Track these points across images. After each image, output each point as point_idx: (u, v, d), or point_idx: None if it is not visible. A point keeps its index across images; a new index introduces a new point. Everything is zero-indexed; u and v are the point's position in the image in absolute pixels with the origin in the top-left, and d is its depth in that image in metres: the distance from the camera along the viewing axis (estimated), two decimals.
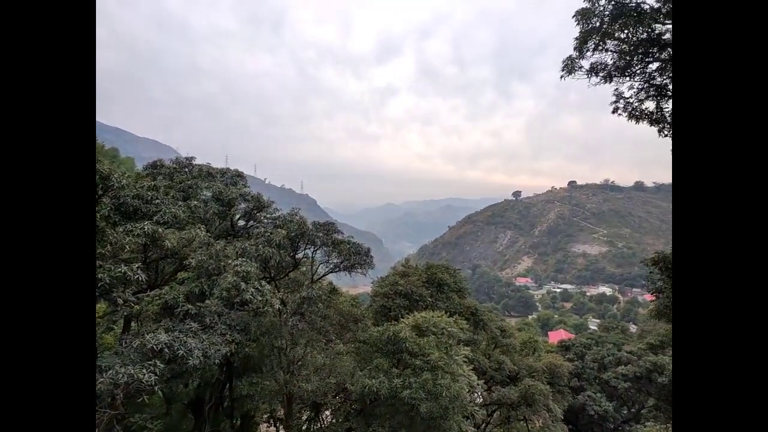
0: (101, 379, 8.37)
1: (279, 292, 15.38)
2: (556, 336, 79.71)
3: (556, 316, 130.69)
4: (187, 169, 19.10)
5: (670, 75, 13.08)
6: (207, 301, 12.58)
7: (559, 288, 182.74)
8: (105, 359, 9.33)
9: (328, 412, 19.05)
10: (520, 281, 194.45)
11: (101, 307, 15.24)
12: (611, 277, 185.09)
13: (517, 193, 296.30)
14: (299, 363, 14.29)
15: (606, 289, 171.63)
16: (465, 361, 17.24)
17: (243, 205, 19.98)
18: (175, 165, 19.01)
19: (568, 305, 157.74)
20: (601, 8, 12.93)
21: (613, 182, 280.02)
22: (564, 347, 36.84)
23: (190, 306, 11.98)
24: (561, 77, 13.77)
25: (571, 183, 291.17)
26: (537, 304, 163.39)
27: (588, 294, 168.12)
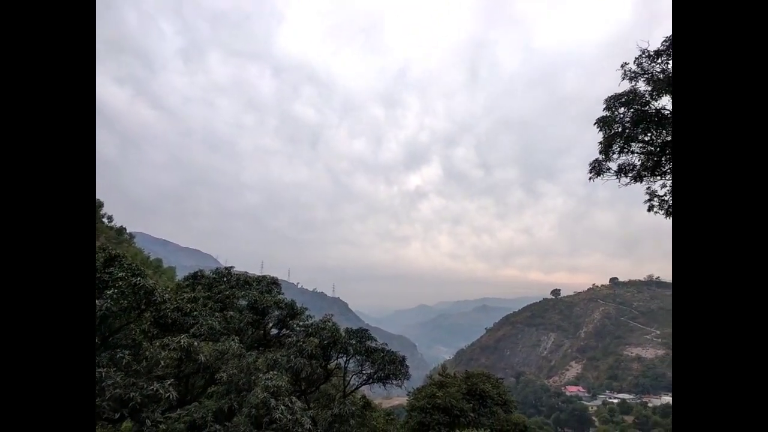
0: None
1: (309, 408, 14.46)
2: None
3: None
4: (225, 279, 19.68)
5: None
6: (235, 419, 11.91)
7: (616, 398, 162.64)
8: None
9: None
10: (571, 390, 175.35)
11: (128, 426, 14.70)
12: None
13: (556, 292, 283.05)
14: None
15: (671, 399, 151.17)
16: None
17: (276, 313, 19.97)
18: (214, 275, 19.67)
19: (629, 419, 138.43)
20: (621, 115, 13.58)
21: (658, 278, 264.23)
22: None
23: (218, 426, 11.35)
24: (590, 179, 14.04)
25: (613, 280, 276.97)
26: (593, 418, 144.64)
27: (651, 405, 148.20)
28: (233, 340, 13.36)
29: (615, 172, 13.97)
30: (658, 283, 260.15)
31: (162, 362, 10.54)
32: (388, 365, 17.19)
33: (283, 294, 21.54)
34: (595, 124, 13.90)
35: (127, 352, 10.43)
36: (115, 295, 9.98)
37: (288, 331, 19.61)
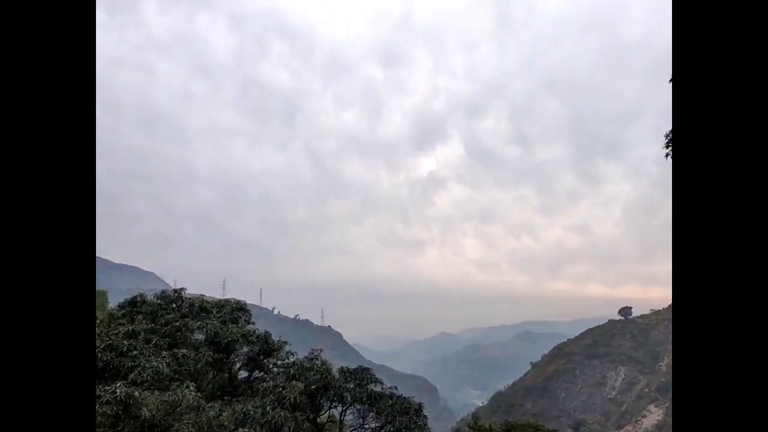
0: None
1: None
2: None
3: None
4: (174, 305, 19.78)
5: None
6: None
7: None
8: None
9: None
10: None
11: None
12: None
13: (626, 311, 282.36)
14: None
15: None
16: None
17: (246, 349, 20.08)
18: (159, 300, 19.78)
19: None
20: None
21: None
22: None
23: None
24: (666, 155, 13.97)
25: None
26: None
27: None
28: (188, 387, 13.43)
29: None
30: None
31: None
32: (400, 416, 17.27)
33: (253, 323, 21.68)
34: (671, 80, 13.81)
35: None
36: None
37: (262, 374, 19.74)
